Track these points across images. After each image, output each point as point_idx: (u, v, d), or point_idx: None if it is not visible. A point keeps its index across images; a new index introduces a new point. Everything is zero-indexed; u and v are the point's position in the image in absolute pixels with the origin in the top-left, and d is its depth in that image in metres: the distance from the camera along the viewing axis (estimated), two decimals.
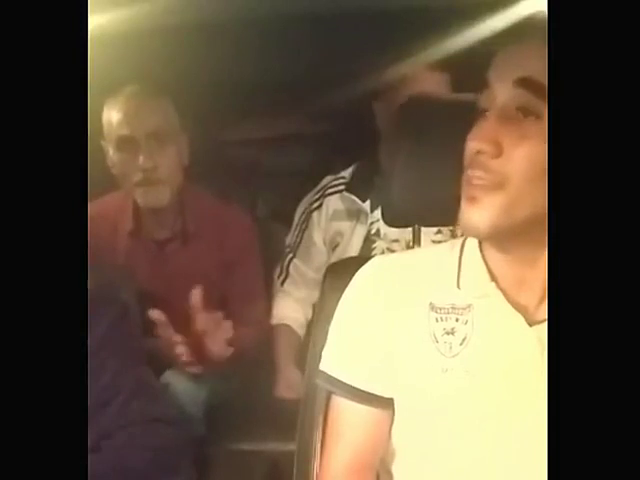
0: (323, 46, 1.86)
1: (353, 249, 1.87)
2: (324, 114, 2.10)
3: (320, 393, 1.11)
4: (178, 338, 1.57)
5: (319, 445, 1.10)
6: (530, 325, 0.89)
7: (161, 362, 1.66)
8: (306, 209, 1.97)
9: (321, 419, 1.11)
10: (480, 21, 1.55)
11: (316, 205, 1.95)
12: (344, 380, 0.95)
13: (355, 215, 1.89)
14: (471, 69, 0.92)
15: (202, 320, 1.56)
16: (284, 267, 1.98)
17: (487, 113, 0.86)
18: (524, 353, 0.89)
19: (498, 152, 0.83)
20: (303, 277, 1.96)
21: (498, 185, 0.84)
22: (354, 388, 0.94)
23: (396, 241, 1.83)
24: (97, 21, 1.30)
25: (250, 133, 2.23)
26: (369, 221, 1.86)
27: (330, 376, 0.96)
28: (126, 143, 1.74)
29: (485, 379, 0.89)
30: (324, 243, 1.95)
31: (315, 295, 1.77)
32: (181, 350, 1.58)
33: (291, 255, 1.97)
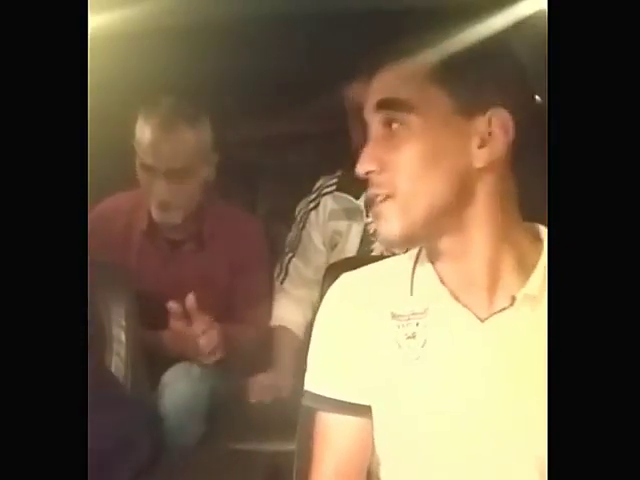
0: (323, 46, 1.86)
1: (351, 248, 1.87)
2: (324, 114, 2.10)
3: None
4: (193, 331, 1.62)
5: None
6: (482, 321, 0.92)
7: (168, 356, 1.68)
8: (303, 209, 1.98)
9: None
10: (480, 21, 1.55)
11: (313, 205, 1.96)
12: (327, 395, 0.98)
13: (352, 214, 1.89)
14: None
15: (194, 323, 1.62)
16: (284, 266, 1.98)
17: (362, 140, 0.94)
18: (479, 348, 0.92)
19: (381, 167, 0.91)
20: (302, 277, 1.95)
21: (390, 195, 0.91)
22: (336, 400, 0.98)
23: None
24: (97, 21, 1.31)
25: (250, 133, 2.23)
26: (367, 220, 1.86)
27: (314, 394, 1.00)
28: (146, 170, 1.73)
29: (447, 378, 0.92)
30: (323, 243, 1.95)
31: (314, 294, 1.77)
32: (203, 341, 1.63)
33: (291, 254, 1.97)
